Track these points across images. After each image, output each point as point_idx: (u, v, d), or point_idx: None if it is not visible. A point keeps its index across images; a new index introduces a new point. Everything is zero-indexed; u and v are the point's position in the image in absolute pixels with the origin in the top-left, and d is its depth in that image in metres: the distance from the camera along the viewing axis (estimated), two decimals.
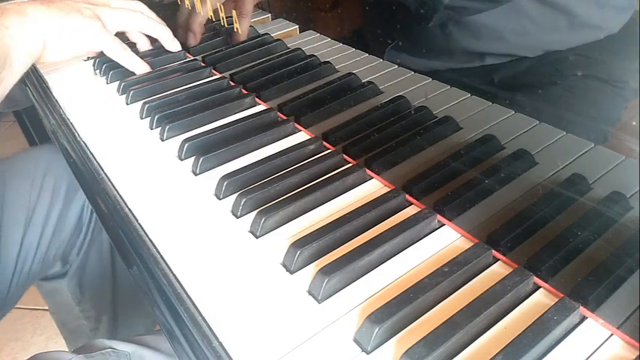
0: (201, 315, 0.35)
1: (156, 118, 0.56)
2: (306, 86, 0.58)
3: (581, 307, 0.32)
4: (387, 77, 0.51)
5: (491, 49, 0.41)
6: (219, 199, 0.45)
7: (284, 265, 0.38)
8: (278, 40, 0.68)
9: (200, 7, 0.69)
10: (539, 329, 0.30)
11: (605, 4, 0.34)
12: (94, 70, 0.71)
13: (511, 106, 0.39)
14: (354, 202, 0.43)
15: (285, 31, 0.70)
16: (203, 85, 0.63)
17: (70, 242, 0.86)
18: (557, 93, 0.35)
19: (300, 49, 0.64)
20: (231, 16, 0.69)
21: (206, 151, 0.49)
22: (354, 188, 0.45)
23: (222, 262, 0.39)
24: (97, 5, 0.65)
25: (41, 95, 0.68)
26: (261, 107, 0.58)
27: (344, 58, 0.59)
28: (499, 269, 0.36)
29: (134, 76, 0.66)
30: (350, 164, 0.47)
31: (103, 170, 0.51)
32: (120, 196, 0.47)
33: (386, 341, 0.32)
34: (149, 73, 0.67)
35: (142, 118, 0.58)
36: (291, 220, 0.41)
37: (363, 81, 0.54)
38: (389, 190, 0.43)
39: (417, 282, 0.34)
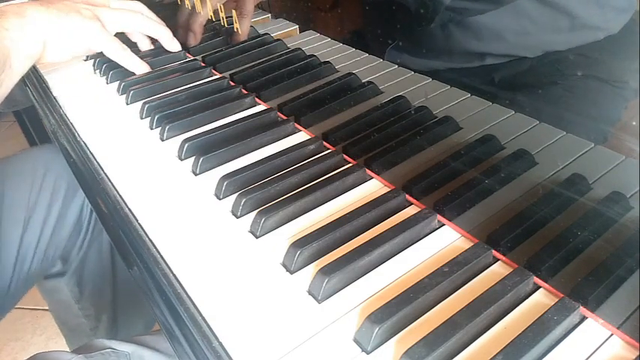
0: (201, 315, 0.35)
1: (156, 118, 0.56)
2: (306, 86, 0.58)
3: (581, 307, 0.32)
4: (387, 77, 0.51)
5: (492, 49, 0.41)
6: (219, 199, 0.45)
7: (284, 265, 0.38)
8: (278, 40, 0.68)
9: (200, 7, 0.69)
10: (539, 329, 0.30)
11: (605, 4, 0.34)
12: (94, 70, 0.71)
13: (511, 106, 0.39)
14: (354, 202, 0.43)
15: (285, 31, 0.70)
16: (203, 85, 0.63)
17: (69, 241, 0.86)
18: (558, 93, 0.35)
19: (300, 49, 0.64)
20: (232, 16, 0.69)
21: (206, 151, 0.49)
22: (354, 188, 0.45)
23: (222, 262, 0.39)
24: (97, 6, 0.65)
25: (41, 95, 0.68)
26: (261, 107, 0.58)
27: (344, 58, 0.59)
28: (499, 269, 0.36)
29: (134, 76, 0.66)
30: (350, 164, 0.47)
31: (103, 170, 0.51)
32: (120, 196, 0.47)
33: (386, 341, 0.32)
34: (149, 73, 0.67)
35: (142, 118, 0.58)
36: (291, 220, 0.41)
37: (363, 81, 0.54)
38: (389, 190, 0.43)
39: (417, 282, 0.34)
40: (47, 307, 1.03)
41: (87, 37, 0.63)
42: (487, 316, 0.32)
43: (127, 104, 0.61)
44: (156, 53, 0.71)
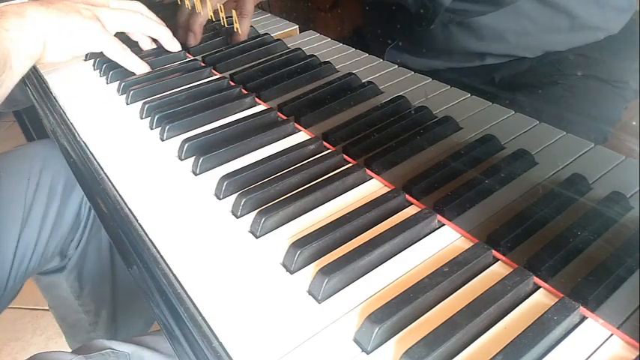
0: (201, 315, 0.35)
1: (156, 118, 0.56)
2: (306, 86, 0.58)
3: (581, 307, 0.32)
4: (387, 77, 0.51)
5: (492, 49, 0.41)
6: (219, 199, 0.45)
7: (284, 265, 0.38)
8: (278, 40, 0.68)
9: (200, 7, 0.69)
10: (539, 329, 0.30)
11: (605, 4, 0.34)
12: (94, 70, 0.71)
13: (511, 106, 0.39)
14: (354, 202, 0.43)
15: (285, 31, 0.70)
16: (203, 85, 0.63)
17: (68, 237, 0.86)
18: (558, 93, 0.35)
19: (300, 49, 0.64)
20: (232, 16, 0.69)
21: (206, 151, 0.49)
22: (354, 188, 0.45)
23: (222, 262, 0.39)
24: (97, 6, 0.65)
25: (41, 95, 0.68)
26: (261, 107, 0.58)
27: (344, 58, 0.59)
28: (499, 269, 0.36)
29: (134, 76, 0.66)
30: (350, 164, 0.47)
31: (102, 170, 0.51)
32: (120, 196, 0.47)
33: (386, 341, 0.32)
34: (149, 73, 0.67)
35: (142, 118, 0.58)
36: (291, 220, 0.41)
37: (363, 81, 0.54)
38: (389, 190, 0.43)
39: (417, 282, 0.34)
40: (47, 307, 1.03)
41: (87, 37, 0.63)
42: (487, 316, 0.32)
43: (127, 104, 0.61)
44: (156, 53, 0.71)
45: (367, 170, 0.46)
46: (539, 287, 0.34)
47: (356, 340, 0.32)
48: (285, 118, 0.55)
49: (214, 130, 0.53)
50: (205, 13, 0.70)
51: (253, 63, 0.65)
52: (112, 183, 0.49)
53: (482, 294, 0.33)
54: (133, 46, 0.70)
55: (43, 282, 0.94)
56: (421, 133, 0.45)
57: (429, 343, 0.30)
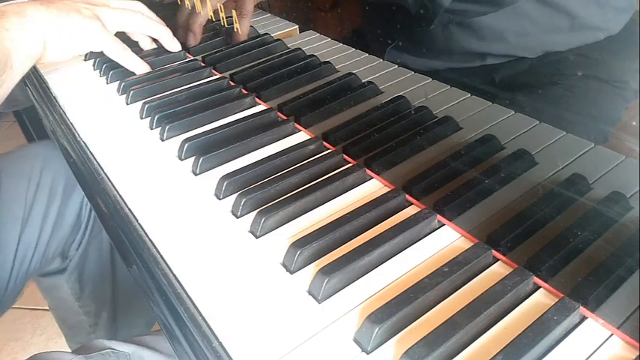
0: (201, 315, 0.35)
1: (156, 118, 0.56)
2: (306, 86, 0.58)
3: (581, 307, 0.32)
4: (387, 77, 0.51)
5: (492, 49, 0.41)
6: (219, 199, 0.45)
7: (284, 265, 0.38)
8: (278, 40, 0.68)
9: (200, 7, 0.69)
10: (539, 329, 0.30)
11: (605, 4, 0.34)
12: (94, 69, 0.71)
13: (511, 106, 0.39)
14: (354, 202, 0.43)
15: (285, 31, 0.70)
16: (203, 85, 0.63)
17: (69, 238, 0.86)
18: (558, 93, 0.35)
19: (300, 49, 0.64)
20: (232, 16, 0.69)
21: (206, 151, 0.49)
22: (354, 188, 0.45)
23: (222, 262, 0.39)
24: (97, 5, 0.65)
25: (41, 95, 0.68)
26: (261, 107, 0.58)
27: (344, 58, 0.59)
28: (499, 269, 0.36)
29: (134, 76, 0.66)
30: (350, 164, 0.47)
31: (103, 170, 0.51)
32: (120, 196, 0.47)
33: (386, 341, 0.32)
34: (149, 73, 0.67)
35: (142, 118, 0.58)
36: (291, 220, 0.41)
37: (363, 81, 0.54)
38: (389, 190, 0.43)
39: (417, 282, 0.34)
40: (47, 307, 1.03)
41: (87, 37, 0.63)
42: (487, 316, 0.32)
43: (127, 104, 0.61)
44: (156, 53, 0.71)
45: (367, 170, 0.46)
46: (539, 287, 0.34)
47: (356, 340, 0.32)
48: (285, 118, 0.55)
49: (214, 130, 0.53)
50: (205, 13, 0.70)
51: (253, 63, 0.65)
52: (112, 183, 0.49)
53: (482, 294, 0.33)
54: (133, 45, 0.70)
55: (44, 284, 0.94)
56: (421, 133, 0.45)
57: (429, 343, 0.30)
